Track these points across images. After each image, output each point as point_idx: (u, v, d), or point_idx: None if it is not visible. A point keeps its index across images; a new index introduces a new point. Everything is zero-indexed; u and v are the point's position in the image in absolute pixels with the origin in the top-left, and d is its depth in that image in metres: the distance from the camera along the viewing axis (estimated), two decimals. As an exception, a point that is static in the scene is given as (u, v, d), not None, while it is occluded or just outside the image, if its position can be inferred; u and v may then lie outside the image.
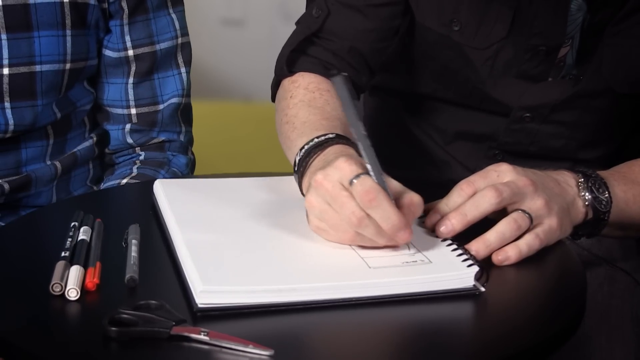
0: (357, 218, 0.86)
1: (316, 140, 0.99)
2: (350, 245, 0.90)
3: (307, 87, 1.17)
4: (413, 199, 0.88)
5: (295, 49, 1.22)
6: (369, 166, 0.88)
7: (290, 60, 1.22)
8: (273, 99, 1.25)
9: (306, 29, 1.23)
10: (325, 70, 1.19)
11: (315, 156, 0.97)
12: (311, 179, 0.89)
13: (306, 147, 0.99)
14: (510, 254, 0.91)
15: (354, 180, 0.86)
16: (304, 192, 0.96)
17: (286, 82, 1.21)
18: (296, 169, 1.00)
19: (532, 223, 0.93)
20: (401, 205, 0.88)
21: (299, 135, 1.05)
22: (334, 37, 1.22)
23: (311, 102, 1.13)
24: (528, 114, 1.21)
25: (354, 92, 0.89)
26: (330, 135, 0.99)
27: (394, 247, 0.89)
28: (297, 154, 1.00)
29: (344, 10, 1.22)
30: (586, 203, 1.00)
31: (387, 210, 0.85)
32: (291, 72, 1.21)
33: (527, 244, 0.92)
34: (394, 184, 0.90)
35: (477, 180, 0.95)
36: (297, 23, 1.27)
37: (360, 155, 0.90)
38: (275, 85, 1.25)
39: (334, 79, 0.88)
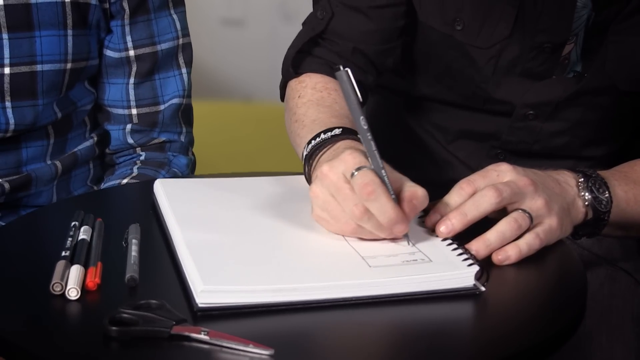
0: (360, 211, 0.87)
1: (323, 135, 1.00)
2: (348, 237, 0.91)
3: (314, 86, 1.18)
4: (417, 192, 0.89)
5: (301, 49, 1.23)
6: (369, 159, 0.88)
7: (296, 62, 1.23)
8: (282, 99, 1.26)
9: (310, 31, 1.24)
10: (331, 71, 1.20)
11: (325, 149, 0.99)
12: (318, 171, 0.90)
13: (313, 141, 1.01)
14: (511, 253, 0.91)
15: (355, 173, 0.87)
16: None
17: (293, 83, 1.23)
18: (305, 162, 1.01)
19: (532, 223, 0.93)
20: (402, 199, 0.89)
21: (308, 132, 1.07)
22: (338, 38, 1.23)
23: (319, 101, 1.14)
24: (532, 112, 1.21)
25: (357, 87, 0.90)
26: (337, 131, 1.00)
27: (393, 240, 0.90)
28: (304, 148, 1.02)
29: (348, 11, 1.23)
30: (586, 203, 1.00)
31: (384, 204, 0.86)
32: (297, 74, 1.22)
33: (527, 243, 0.92)
34: (399, 177, 0.90)
35: (477, 179, 0.95)
36: (303, 24, 1.28)
37: None
38: (283, 87, 1.26)
39: (337, 73, 0.89)
